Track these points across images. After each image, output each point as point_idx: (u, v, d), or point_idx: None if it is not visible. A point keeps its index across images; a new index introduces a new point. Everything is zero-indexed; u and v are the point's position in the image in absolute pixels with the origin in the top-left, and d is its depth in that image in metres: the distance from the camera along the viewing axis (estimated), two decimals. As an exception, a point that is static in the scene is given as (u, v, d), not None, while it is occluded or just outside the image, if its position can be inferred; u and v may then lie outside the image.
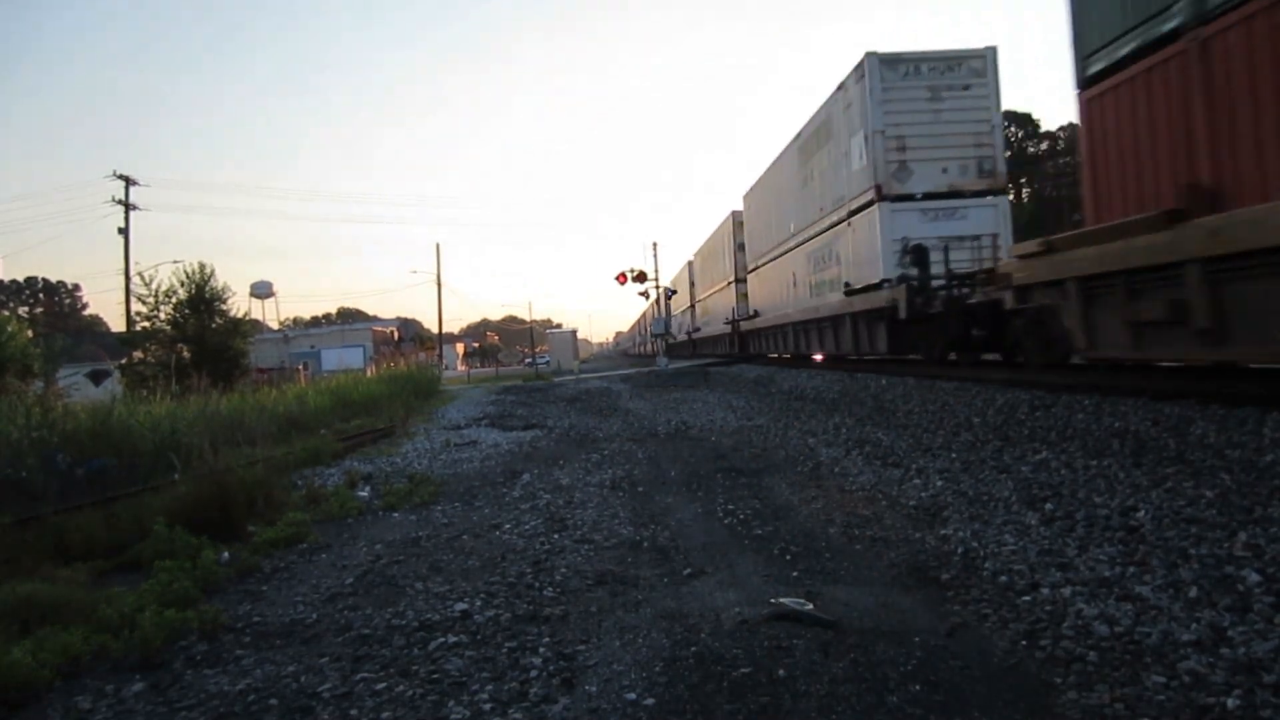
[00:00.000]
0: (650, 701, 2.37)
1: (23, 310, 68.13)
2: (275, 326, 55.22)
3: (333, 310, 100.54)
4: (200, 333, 20.96)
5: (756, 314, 21.86)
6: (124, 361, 22.25)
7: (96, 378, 22.02)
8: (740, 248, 24.31)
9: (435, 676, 2.64)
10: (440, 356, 46.98)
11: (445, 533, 4.81)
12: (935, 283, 10.54)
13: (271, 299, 55.75)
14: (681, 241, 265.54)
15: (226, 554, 4.36)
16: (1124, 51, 6.42)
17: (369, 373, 24.92)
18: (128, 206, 31.07)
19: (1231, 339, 5.23)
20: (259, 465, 6.16)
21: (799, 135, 16.66)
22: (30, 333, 24.49)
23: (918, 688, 2.32)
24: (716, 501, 5.08)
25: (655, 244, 44.78)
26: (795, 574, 3.49)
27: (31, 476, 6.49)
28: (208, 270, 21.75)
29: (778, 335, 19.98)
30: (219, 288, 21.86)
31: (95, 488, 6.53)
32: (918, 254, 10.77)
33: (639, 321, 66.57)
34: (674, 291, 39.39)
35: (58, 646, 2.95)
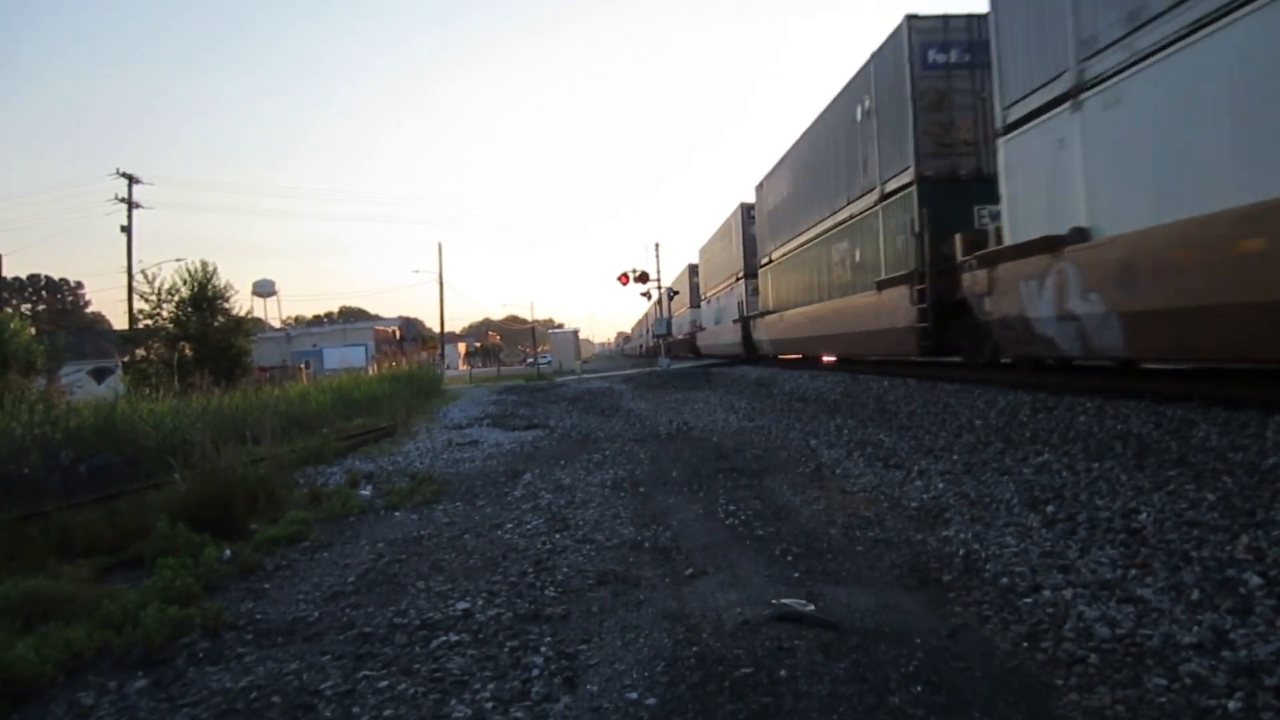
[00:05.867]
0: (652, 701, 2.37)
1: (25, 307, 68.15)
2: (277, 325, 55.45)
3: (335, 309, 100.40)
4: (202, 331, 20.95)
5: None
6: (126, 358, 22.29)
7: (99, 375, 22.08)
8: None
9: (437, 675, 2.65)
10: (442, 356, 46.95)
11: (447, 532, 4.82)
12: None
13: (274, 297, 56.05)
14: (681, 243, 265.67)
15: (229, 551, 4.36)
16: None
17: (370, 372, 24.94)
18: (130, 204, 31.10)
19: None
20: (261, 463, 6.16)
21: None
22: (33, 330, 24.58)
23: (919, 688, 2.32)
24: (718, 502, 5.08)
25: (657, 244, 44.79)
26: (797, 575, 3.49)
27: (34, 473, 6.51)
28: (210, 268, 21.75)
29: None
30: (221, 286, 21.85)
31: (98, 484, 6.54)
32: None
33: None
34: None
35: (61, 642, 2.95)
